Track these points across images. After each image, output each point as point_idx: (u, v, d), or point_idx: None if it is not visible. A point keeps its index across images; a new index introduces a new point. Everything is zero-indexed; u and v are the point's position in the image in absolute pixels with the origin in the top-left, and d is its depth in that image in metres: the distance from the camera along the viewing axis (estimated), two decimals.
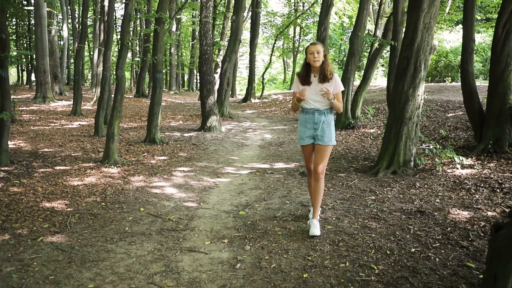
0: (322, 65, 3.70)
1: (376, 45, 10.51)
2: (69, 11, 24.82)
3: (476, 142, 6.66)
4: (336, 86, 3.72)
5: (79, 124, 11.39)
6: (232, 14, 14.41)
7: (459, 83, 7.52)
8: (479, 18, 17.10)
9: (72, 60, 30.77)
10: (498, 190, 4.76)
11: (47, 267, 2.99)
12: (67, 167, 6.19)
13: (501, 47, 6.18)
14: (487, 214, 4.08)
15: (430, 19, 5.60)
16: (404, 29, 6.74)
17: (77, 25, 25.80)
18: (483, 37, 16.38)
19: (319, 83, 3.70)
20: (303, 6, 27.40)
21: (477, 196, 4.63)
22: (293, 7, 28.47)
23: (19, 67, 33.65)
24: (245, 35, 25.44)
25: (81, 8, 23.42)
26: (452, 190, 4.95)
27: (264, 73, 23.83)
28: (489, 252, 2.35)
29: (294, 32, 30.39)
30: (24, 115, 12.45)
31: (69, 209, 4.31)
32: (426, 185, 5.17)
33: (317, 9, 19.13)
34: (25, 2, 24.14)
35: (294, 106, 3.89)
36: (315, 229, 3.58)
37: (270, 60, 24.53)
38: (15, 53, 17.56)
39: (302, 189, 5.18)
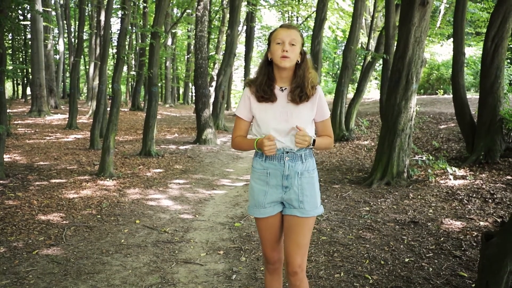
0: (297, 70, 1.99)
1: (369, 58, 10.68)
2: (65, 25, 24.99)
3: (468, 153, 6.75)
4: (322, 109, 2.05)
5: (75, 137, 11.39)
6: (227, 28, 14.60)
7: (451, 96, 7.65)
8: (469, 32, 17.42)
9: (67, 74, 30.91)
10: (490, 201, 4.83)
11: (43, 280, 2.99)
12: (62, 180, 6.19)
13: (490, 61, 6.32)
14: (479, 224, 4.13)
15: (421, 33, 5.73)
16: (396, 43, 6.88)
17: (73, 40, 26.03)
18: (474, 51, 16.66)
19: (289, 102, 1.99)
20: (297, 20, 27.79)
21: (469, 207, 4.69)
22: (287, 21, 28.85)
23: (15, 81, 33.68)
24: (240, 48, 25.70)
25: (77, 22, 23.57)
26: (445, 200, 5.01)
27: None
28: (481, 261, 2.40)
29: None
30: (19, 129, 12.44)
31: (64, 221, 4.31)
32: (419, 196, 5.23)
33: (311, 23, 19.41)
34: (21, 17, 24.29)
35: (242, 146, 2.10)
36: None
37: None
38: (11, 67, 17.64)
39: None
